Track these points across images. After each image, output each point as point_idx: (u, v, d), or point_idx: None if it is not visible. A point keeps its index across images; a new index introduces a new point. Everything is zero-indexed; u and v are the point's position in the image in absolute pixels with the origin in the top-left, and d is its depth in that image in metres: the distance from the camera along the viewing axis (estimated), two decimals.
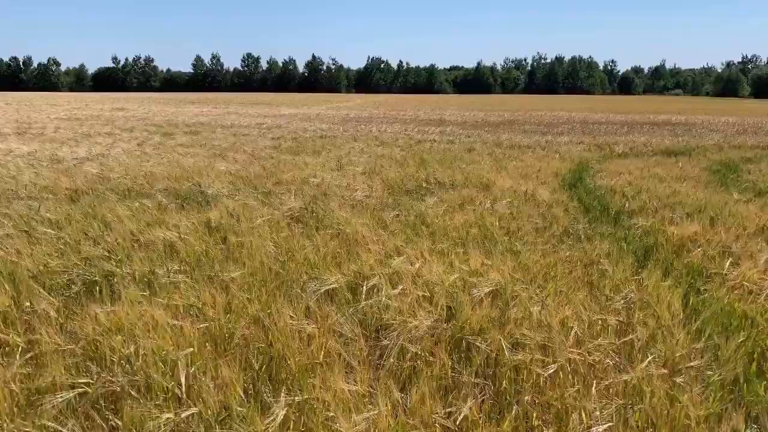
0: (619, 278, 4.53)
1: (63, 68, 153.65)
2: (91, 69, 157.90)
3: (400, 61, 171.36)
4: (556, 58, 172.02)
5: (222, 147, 14.42)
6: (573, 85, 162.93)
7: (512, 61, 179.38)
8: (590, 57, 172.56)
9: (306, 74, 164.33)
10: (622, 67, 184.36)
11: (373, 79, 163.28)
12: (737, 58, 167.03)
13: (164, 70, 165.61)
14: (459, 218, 6.30)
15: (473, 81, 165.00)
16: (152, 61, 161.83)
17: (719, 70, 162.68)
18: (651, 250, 5.61)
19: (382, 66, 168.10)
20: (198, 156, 12.32)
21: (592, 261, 5.05)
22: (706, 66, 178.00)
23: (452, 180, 9.15)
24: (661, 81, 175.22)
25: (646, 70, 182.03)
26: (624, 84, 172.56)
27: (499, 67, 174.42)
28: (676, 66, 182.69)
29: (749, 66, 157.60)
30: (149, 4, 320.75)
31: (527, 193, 8.02)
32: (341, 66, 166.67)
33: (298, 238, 5.38)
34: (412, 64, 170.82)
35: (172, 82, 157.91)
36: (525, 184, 8.66)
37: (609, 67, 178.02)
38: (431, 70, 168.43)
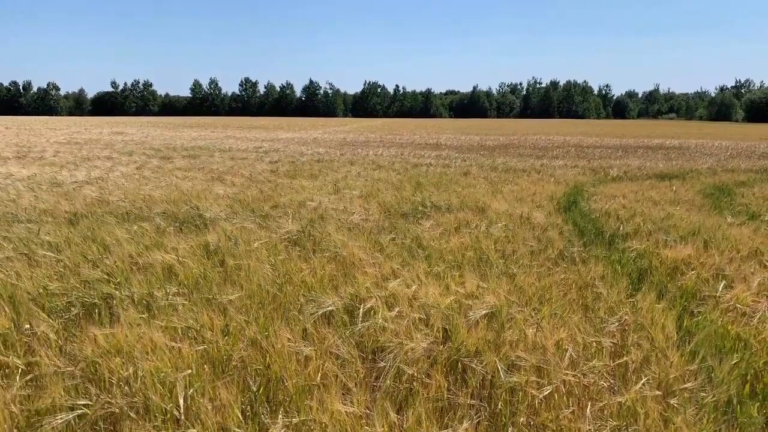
0: (614, 300, 4.57)
1: (62, 92, 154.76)
2: (90, 93, 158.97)
3: (396, 85, 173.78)
4: (550, 82, 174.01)
5: (220, 170, 14.49)
6: (568, 109, 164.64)
7: (508, 86, 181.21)
8: (585, 81, 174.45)
9: (303, 99, 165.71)
10: (617, 92, 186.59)
11: (370, 103, 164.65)
12: (730, 83, 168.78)
13: (163, 95, 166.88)
14: (455, 241, 6.35)
15: (469, 105, 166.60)
16: (151, 85, 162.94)
17: (713, 95, 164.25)
18: (645, 273, 5.66)
19: (378, 90, 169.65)
20: (196, 179, 12.38)
21: (587, 283, 5.09)
22: (699, 90, 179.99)
23: (448, 203, 9.21)
24: (655, 105, 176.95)
25: (640, 95, 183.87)
26: (618, 108, 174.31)
27: (494, 92, 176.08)
28: (670, 90, 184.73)
29: (742, 90, 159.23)
30: (149, 28, 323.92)
31: (522, 217, 8.08)
32: (338, 90, 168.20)
33: (296, 261, 5.41)
34: (408, 89, 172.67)
35: (171, 107, 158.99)
36: (520, 208, 8.72)
37: (603, 92, 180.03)
38: (427, 95, 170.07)
